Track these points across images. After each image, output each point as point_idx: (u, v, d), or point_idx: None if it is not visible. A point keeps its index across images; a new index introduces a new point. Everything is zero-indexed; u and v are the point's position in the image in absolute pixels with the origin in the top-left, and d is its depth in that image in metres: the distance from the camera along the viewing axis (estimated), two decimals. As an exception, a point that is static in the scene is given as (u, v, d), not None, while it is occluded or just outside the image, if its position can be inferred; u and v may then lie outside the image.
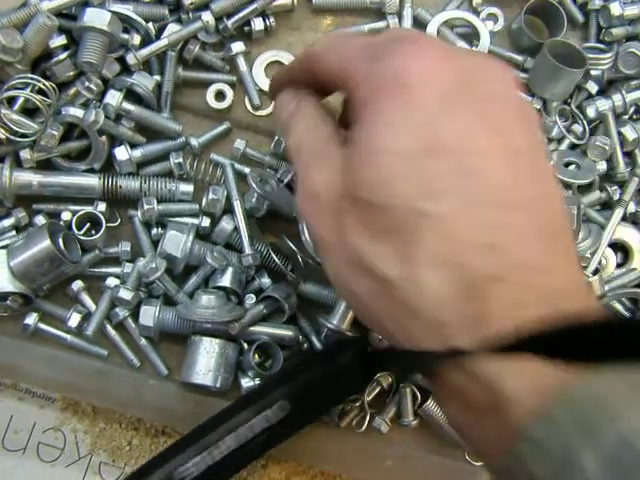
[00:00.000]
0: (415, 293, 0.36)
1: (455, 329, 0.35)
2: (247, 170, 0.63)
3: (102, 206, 0.62)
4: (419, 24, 0.67)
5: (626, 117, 0.67)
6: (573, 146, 0.67)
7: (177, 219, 0.62)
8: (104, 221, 0.61)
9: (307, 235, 0.58)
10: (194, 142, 0.63)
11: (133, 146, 0.62)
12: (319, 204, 0.42)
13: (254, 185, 0.59)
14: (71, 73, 0.61)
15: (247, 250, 0.60)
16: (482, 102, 0.39)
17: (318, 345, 0.61)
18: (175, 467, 0.51)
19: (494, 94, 0.40)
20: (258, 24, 0.65)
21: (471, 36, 0.67)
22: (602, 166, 0.65)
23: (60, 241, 0.59)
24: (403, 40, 0.41)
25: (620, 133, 0.65)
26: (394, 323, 0.39)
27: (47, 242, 0.57)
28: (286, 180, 0.62)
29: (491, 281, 0.35)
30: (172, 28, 0.63)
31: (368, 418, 0.62)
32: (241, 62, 0.65)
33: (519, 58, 0.67)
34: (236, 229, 0.62)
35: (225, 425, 0.52)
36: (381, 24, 0.67)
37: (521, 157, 0.38)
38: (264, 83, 0.66)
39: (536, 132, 0.42)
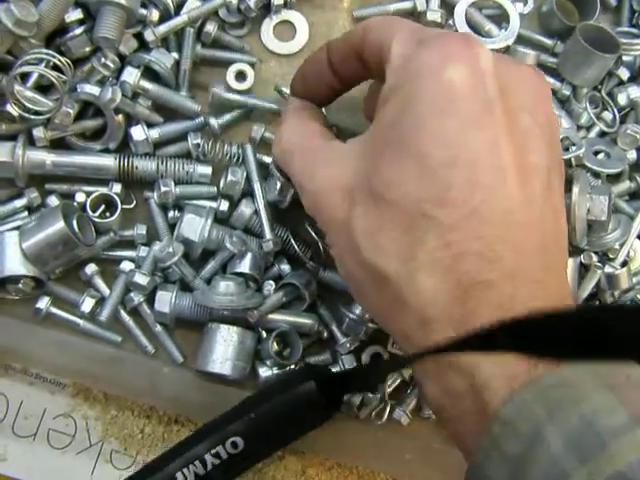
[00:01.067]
0: (410, 291, 0.38)
1: (441, 326, 0.37)
2: (266, 159, 0.61)
3: (117, 187, 0.60)
4: (447, 5, 0.65)
5: (658, 105, 0.65)
6: (602, 134, 0.65)
7: (194, 202, 0.60)
8: (119, 203, 0.59)
9: None
10: (213, 122, 0.61)
11: (150, 126, 0.60)
12: (327, 198, 0.43)
13: (277, 172, 0.57)
14: (87, 49, 0.59)
15: (268, 235, 0.59)
16: (511, 116, 0.40)
17: (339, 335, 0.60)
18: None
19: (524, 108, 0.41)
20: (278, -1, 0.63)
21: (500, 18, 0.65)
22: (632, 155, 0.63)
23: (74, 223, 0.57)
24: (450, 36, 0.41)
25: (652, 121, 0.63)
26: (387, 314, 0.41)
27: (61, 224, 0.55)
28: None
29: (483, 287, 0.37)
30: (192, 4, 0.61)
31: (388, 410, 0.60)
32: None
33: (549, 42, 0.65)
34: (256, 213, 0.60)
35: (179, 460, 0.51)
36: (407, 4, 0.64)
37: (537, 175, 0.40)
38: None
39: (557, 149, 0.44)
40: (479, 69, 0.39)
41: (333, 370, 0.60)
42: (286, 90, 0.61)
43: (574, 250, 0.58)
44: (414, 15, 0.65)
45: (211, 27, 0.62)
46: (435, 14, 0.63)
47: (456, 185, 0.37)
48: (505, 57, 0.46)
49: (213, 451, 0.51)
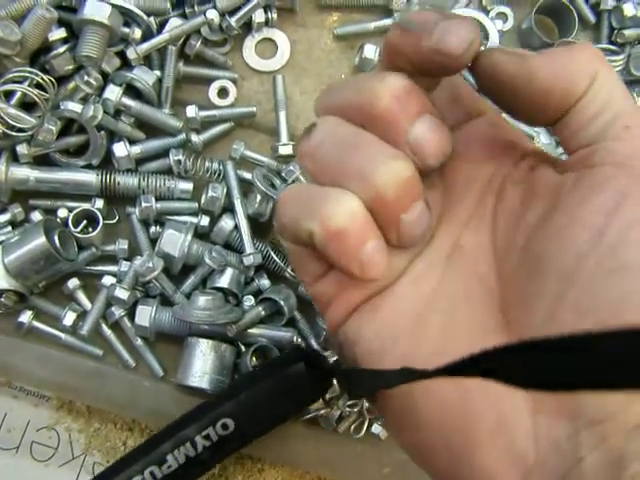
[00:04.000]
0: None
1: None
2: (246, 175, 0.62)
3: (100, 203, 0.61)
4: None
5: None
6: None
7: (176, 217, 0.61)
8: (101, 219, 0.60)
9: None
10: (195, 139, 0.62)
11: (132, 142, 0.61)
12: None
13: (259, 184, 0.58)
14: (70, 67, 0.59)
15: (249, 249, 0.59)
16: None
17: (317, 348, 0.60)
18: (129, 478, 0.51)
19: None
20: (259, 16, 0.64)
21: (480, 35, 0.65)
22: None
23: (56, 238, 0.58)
24: None
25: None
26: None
27: (43, 239, 0.56)
28: (290, 179, 0.61)
29: None
30: (174, 22, 0.62)
31: (367, 424, 0.61)
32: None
33: (528, 59, 0.65)
34: (235, 228, 0.60)
35: (170, 441, 0.51)
36: (388, 21, 0.65)
37: None
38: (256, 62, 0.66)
39: None
40: None
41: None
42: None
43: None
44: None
45: (194, 41, 0.63)
46: (414, 32, 0.63)
47: None
48: None
49: (204, 433, 0.51)
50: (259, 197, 0.59)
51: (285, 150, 0.62)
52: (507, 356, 0.24)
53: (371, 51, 0.63)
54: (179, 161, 0.60)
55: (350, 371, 0.36)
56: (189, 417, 0.53)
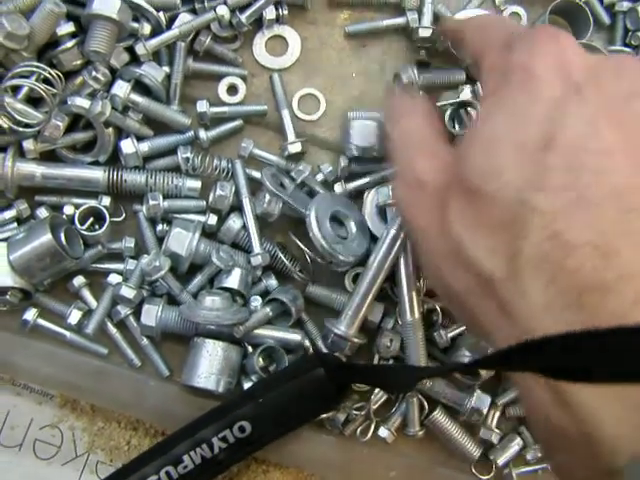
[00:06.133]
0: (516, 296, 0.34)
1: None
2: (255, 174, 0.61)
3: (106, 200, 0.60)
4: (439, 21, 0.65)
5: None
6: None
7: (183, 216, 0.60)
8: (108, 216, 0.59)
9: (316, 232, 0.56)
10: (203, 136, 0.61)
11: (140, 139, 0.60)
12: (423, 193, 0.42)
13: (268, 183, 0.57)
14: (78, 62, 0.59)
15: (257, 249, 0.59)
16: (610, 100, 0.37)
17: (325, 351, 0.60)
18: (144, 477, 0.51)
19: (623, 92, 0.37)
20: (270, 13, 0.63)
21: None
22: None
23: (62, 235, 0.57)
24: (538, 33, 0.41)
25: None
26: (488, 323, 0.37)
27: (48, 236, 0.55)
28: (299, 179, 0.60)
29: (600, 291, 0.31)
30: (184, 18, 0.61)
31: (373, 427, 0.60)
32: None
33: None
34: (243, 227, 0.60)
35: (187, 442, 0.52)
36: (400, 20, 0.64)
37: None
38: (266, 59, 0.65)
39: None
40: (565, 60, 0.38)
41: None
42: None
43: None
44: (407, 30, 0.65)
45: (204, 36, 0.62)
46: (427, 31, 0.62)
47: (555, 169, 0.34)
48: (604, 54, 0.45)
49: (220, 435, 0.51)
50: (268, 197, 0.58)
51: (294, 148, 0.61)
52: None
53: (409, 75, 0.62)
54: (187, 159, 0.60)
55: (386, 368, 0.39)
56: (206, 418, 0.53)
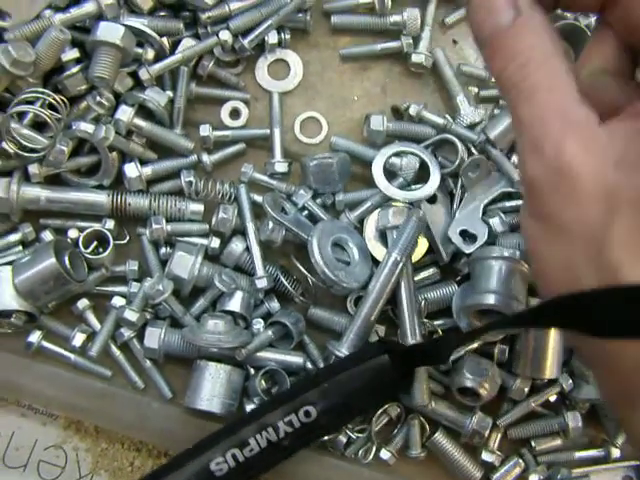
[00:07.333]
0: None
1: None
2: (257, 197, 0.61)
3: (110, 223, 0.61)
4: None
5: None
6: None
7: (186, 239, 0.61)
8: (111, 239, 0.60)
9: (318, 260, 0.57)
10: (206, 159, 0.62)
11: (144, 163, 0.61)
12: (574, 185, 0.30)
13: (270, 210, 0.57)
14: (83, 87, 0.60)
15: (260, 272, 0.59)
16: None
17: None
18: (210, 459, 0.51)
19: None
20: (272, 37, 0.64)
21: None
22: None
23: (66, 259, 0.58)
24: None
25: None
26: None
27: (52, 260, 0.56)
28: (301, 203, 0.61)
29: None
30: (187, 43, 0.62)
31: (375, 449, 0.60)
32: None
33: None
34: (246, 251, 0.60)
35: (253, 425, 0.51)
36: (394, 44, 0.65)
37: None
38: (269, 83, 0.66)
39: None
40: None
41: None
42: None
43: None
44: (401, 55, 0.65)
45: (207, 61, 0.63)
46: (420, 57, 0.63)
47: None
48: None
49: (286, 419, 0.51)
50: (271, 224, 0.59)
51: (281, 167, 0.62)
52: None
53: (378, 122, 0.62)
54: (190, 182, 0.60)
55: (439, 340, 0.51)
56: (272, 402, 0.53)
